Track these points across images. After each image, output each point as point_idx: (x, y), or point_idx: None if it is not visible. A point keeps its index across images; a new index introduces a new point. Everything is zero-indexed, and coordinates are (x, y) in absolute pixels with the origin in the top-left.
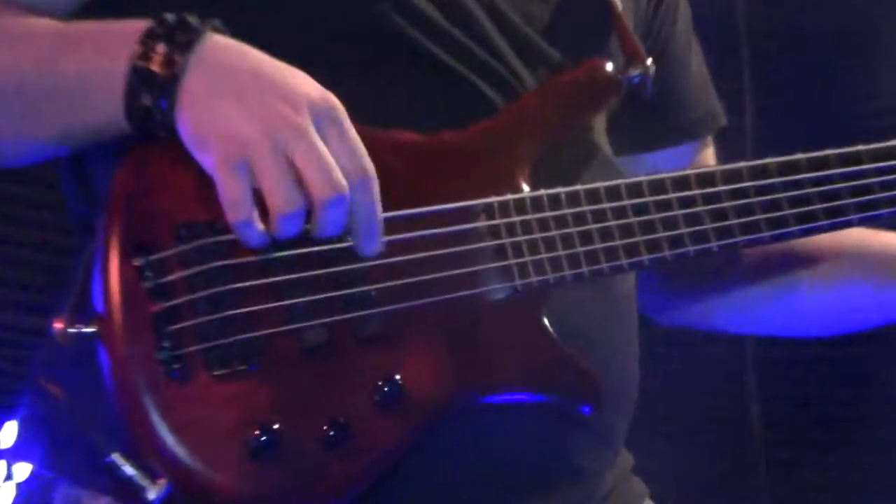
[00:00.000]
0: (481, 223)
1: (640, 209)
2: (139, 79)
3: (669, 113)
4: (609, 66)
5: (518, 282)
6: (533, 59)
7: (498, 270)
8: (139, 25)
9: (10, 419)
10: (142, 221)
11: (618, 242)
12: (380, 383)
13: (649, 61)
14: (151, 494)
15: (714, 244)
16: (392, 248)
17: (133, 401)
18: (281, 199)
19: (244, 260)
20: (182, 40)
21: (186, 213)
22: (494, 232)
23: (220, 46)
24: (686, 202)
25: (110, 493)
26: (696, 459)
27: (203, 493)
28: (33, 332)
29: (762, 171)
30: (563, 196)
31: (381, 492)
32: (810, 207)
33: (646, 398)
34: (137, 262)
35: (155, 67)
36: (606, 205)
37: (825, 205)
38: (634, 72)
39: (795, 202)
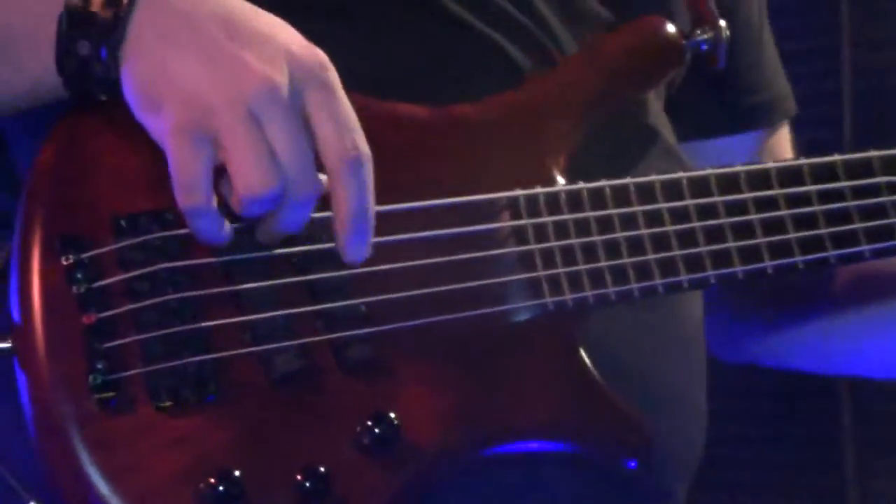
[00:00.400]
0: (503, 223)
1: (706, 211)
2: (74, 21)
3: (741, 91)
4: (671, 28)
5: (549, 299)
6: (574, 14)
7: (523, 284)
8: None
9: None
10: (72, 209)
11: (675, 253)
12: (369, 423)
13: (723, 23)
14: None
15: (799, 258)
16: (388, 252)
17: (57, 436)
18: (252, 176)
19: (199, 262)
20: None
21: (128, 200)
22: (520, 235)
23: None
24: (764, 204)
25: None
26: None
27: None
28: None
29: (862, 168)
30: (607, 191)
31: None
32: None
33: None
34: (65, 260)
35: (94, 8)
36: (663, 205)
37: None
38: (703, 36)
39: None
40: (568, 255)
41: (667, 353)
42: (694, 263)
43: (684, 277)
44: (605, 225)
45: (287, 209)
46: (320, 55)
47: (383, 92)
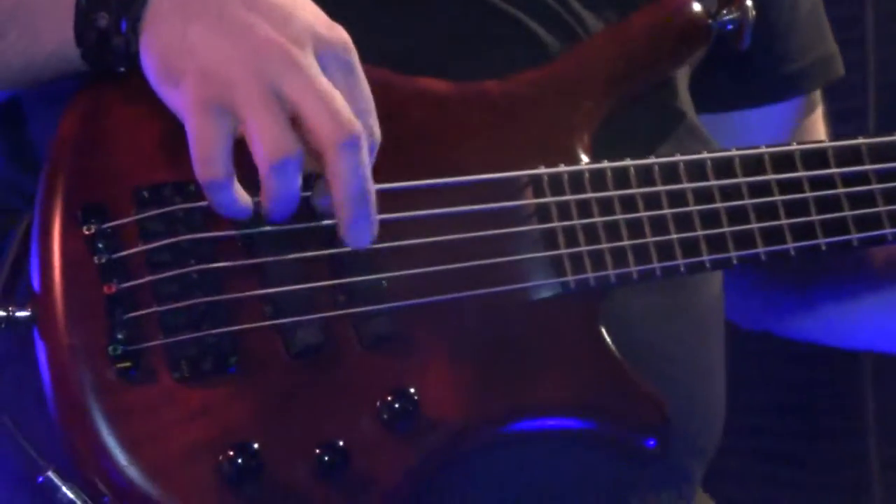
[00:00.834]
0: (526, 201)
1: (730, 192)
2: None
3: (768, 58)
4: (697, 7)
5: (570, 277)
6: None
7: (545, 262)
8: None
9: None
10: (94, 179)
11: (699, 233)
12: (389, 398)
13: (749, 2)
14: None
15: (822, 240)
16: (410, 228)
17: (75, 405)
18: (272, 143)
19: (221, 234)
20: None
21: (151, 171)
22: (542, 212)
23: None
24: (788, 185)
25: None
26: None
27: None
28: None
29: (888, 149)
30: (631, 170)
31: None
32: None
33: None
34: (87, 230)
35: None
36: (686, 185)
37: None
38: (729, 15)
39: None
40: (591, 234)
41: (686, 334)
42: (717, 244)
43: (707, 258)
44: (629, 204)
45: (335, 160)
46: (344, 36)
47: (409, 68)
